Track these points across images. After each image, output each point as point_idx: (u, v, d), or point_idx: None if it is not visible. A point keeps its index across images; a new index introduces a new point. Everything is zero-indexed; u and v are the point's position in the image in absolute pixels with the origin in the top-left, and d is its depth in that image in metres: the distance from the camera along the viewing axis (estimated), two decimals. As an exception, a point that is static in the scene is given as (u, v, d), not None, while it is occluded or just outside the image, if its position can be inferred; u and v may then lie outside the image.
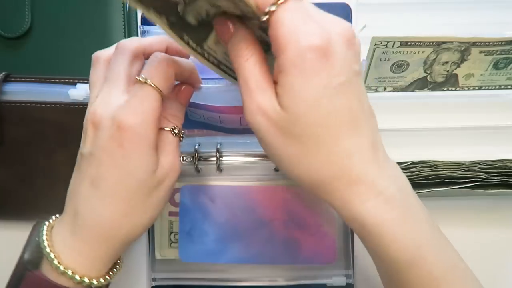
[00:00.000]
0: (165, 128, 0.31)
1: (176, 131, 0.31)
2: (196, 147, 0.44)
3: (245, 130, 0.39)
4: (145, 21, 0.44)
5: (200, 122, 0.39)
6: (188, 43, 0.29)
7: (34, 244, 0.30)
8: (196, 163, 0.44)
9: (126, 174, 0.29)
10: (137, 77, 0.29)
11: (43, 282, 0.29)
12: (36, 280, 0.29)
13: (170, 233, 0.45)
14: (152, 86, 0.29)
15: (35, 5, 0.43)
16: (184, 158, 0.44)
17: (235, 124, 0.38)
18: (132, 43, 0.31)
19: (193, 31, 0.29)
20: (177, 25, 0.29)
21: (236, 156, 0.45)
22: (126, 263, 0.46)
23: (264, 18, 0.26)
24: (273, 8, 0.25)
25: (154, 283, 0.46)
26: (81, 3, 0.43)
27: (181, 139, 0.32)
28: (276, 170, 0.44)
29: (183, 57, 0.33)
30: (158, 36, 0.32)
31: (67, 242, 0.30)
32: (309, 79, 0.26)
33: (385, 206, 0.28)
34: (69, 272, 0.29)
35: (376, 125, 0.30)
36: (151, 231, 0.45)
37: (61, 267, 0.29)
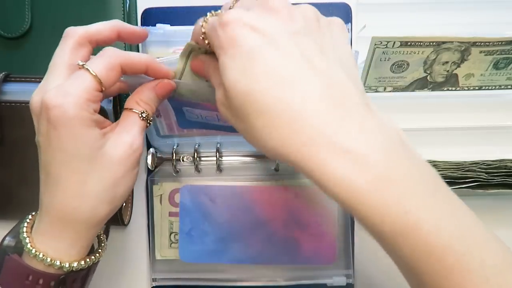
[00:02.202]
0: (134, 110, 0.32)
1: (144, 115, 0.32)
2: (196, 147, 0.44)
3: None
4: (145, 21, 0.44)
5: (199, 122, 0.39)
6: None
7: (17, 231, 0.32)
8: (196, 163, 0.44)
9: (67, 155, 0.29)
10: (77, 63, 0.30)
11: (18, 265, 0.30)
12: (12, 263, 0.31)
13: (170, 233, 0.45)
14: (88, 70, 0.29)
15: (35, 5, 0.43)
16: (184, 158, 0.44)
17: None
18: (76, 31, 0.31)
19: None
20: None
21: (236, 156, 0.45)
22: (126, 263, 0.46)
23: (206, 42, 0.29)
24: (202, 35, 0.29)
25: (154, 283, 0.46)
26: (81, 3, 0.43)
27: (148, 124, 0.33)
28: (276, 170, 0.44)
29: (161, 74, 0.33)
30: (107, 22, 0.33)
31: (39, 228, 0.31)
32: (231, 60, 0.26)
33: (357, 168, 0.24)
34: (40, 255, 0.30)
35: (341, 79, 0.26)
36: (151, 232, 0.45)
37: (33, 250, 0.30)
